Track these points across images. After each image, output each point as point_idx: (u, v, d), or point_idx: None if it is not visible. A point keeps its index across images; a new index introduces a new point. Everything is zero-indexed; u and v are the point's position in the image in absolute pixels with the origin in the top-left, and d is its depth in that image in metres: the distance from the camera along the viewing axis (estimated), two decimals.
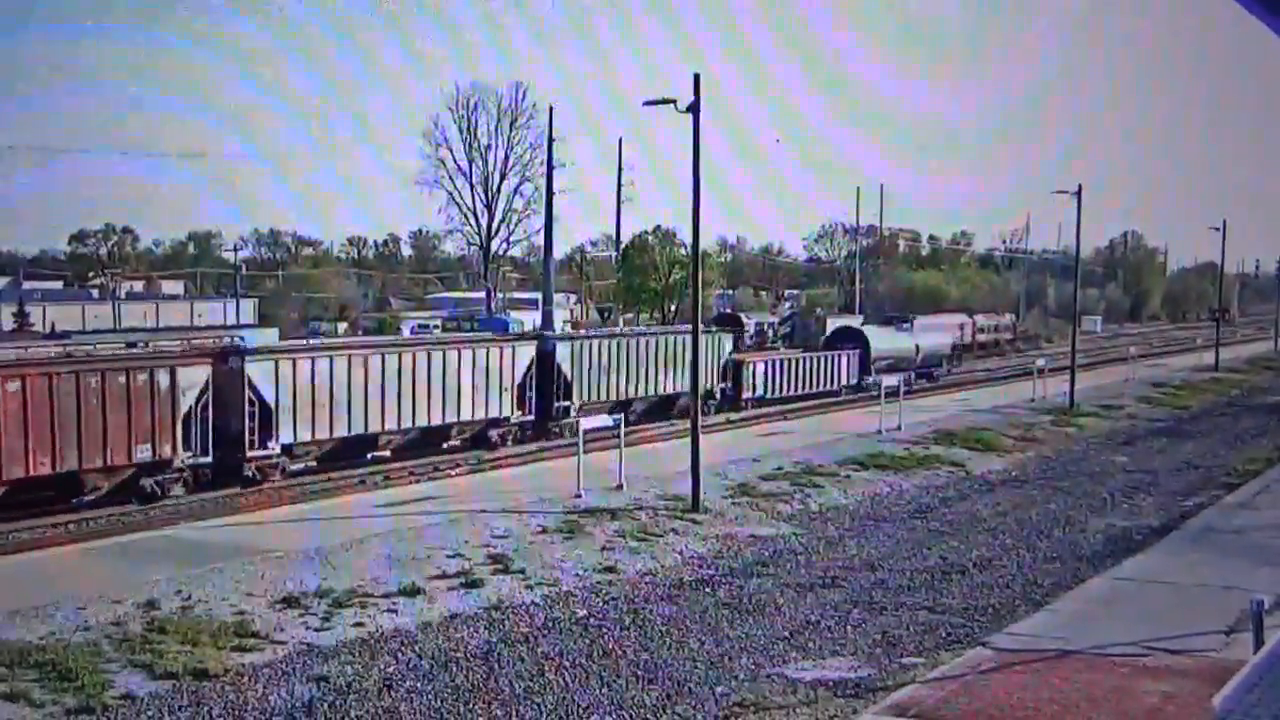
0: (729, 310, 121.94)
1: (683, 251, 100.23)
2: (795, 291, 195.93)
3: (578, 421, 44.71)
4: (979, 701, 21.64)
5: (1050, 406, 69.74)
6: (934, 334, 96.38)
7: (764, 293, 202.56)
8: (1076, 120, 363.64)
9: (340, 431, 47.18)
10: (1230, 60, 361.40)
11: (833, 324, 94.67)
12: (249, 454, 44.01)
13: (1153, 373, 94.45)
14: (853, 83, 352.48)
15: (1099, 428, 65.03)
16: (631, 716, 21.72)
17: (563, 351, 58.83)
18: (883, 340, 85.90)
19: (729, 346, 71.31)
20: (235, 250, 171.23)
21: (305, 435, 45.82)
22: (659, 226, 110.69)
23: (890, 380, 62.53)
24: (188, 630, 25.34)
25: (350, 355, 48.26)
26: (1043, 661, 24.11)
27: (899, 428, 57.48)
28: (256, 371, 44.24)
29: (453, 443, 52.71)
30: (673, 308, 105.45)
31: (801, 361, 76.80)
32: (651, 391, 64.03)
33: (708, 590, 30.92)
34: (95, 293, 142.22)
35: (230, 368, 43.78)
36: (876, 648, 26.13)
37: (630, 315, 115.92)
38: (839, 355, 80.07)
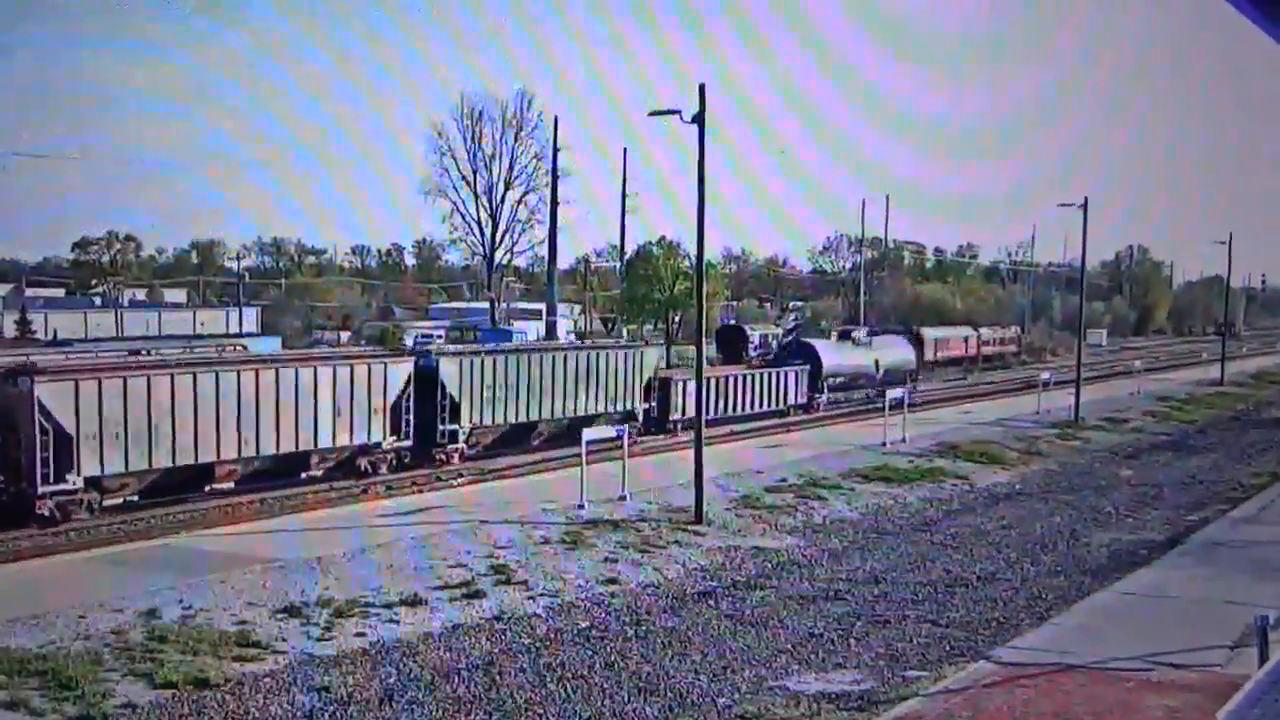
0: (733, 322, 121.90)
1: (687, 263, 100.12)
2: (800, 303, 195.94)
3: (581, 432, 44.40)
4: (982, 715, 21.57)
5: (1055, 420, 69.62)
6: (896, 349, 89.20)
7: (768, 304, 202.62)
8: (1082, 133, 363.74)
9: (163, 462, 40.93)
10: (1236, 73, 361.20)
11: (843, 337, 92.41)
12: (42, 489, 37.90)
13: (1158, 387, 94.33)
14: (859, 95, 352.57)
15: (1104, 441, 64.95)
16: None
17: (448, 369, 51.86)
18: (836, 356, 79.52)
19: (654, 362, 64.84)
20: (238, 259, 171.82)
21: (116, 467, 39.87)
22: (663, 237, 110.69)
23: (896, 392, 62.45)
24: (188, 639, 25.34)
25: (174, 374, 41.67)
26: (1046, 675, 24.03)
27: (903, 440, 57.44)
28: (49, 393, 38.26)
29: (313, 473, 46.42)
30: (677, 318, 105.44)
31: (742, 379, 70.18)
32: (560, 413, 56.77)
33: (710, 602, 30.87)
34: (98, 300, 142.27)
35: (16, 390, 38.23)
36: (880, 661, 26.07)
37: (634, 326, 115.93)
38: (785, 373, 73.41)
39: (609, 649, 26.58)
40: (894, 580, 33.41)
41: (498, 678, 24.41)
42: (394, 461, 49.28)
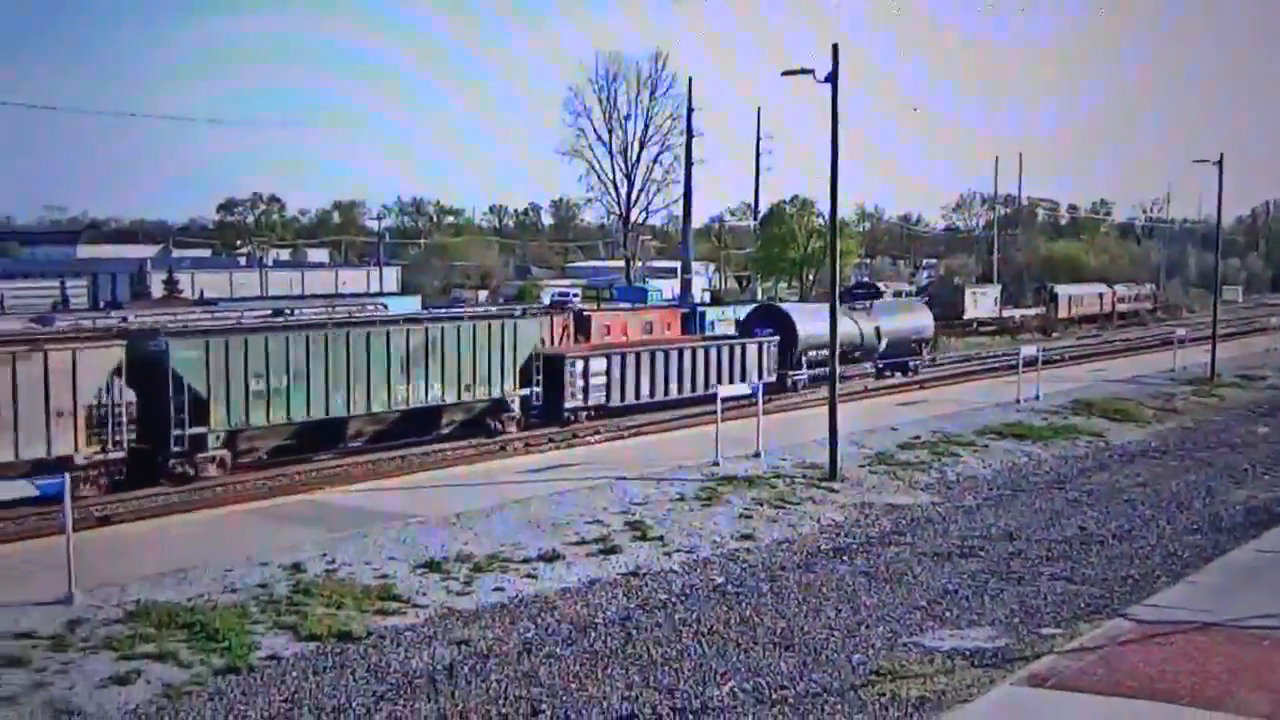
0: (867, 279, 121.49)
1: (820, 221, 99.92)
2: (933, 261, 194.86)
3: (716, 391, 44.33)
4: (1117, 673, 21.57)
5: (1190, 377, 68.86)
6: (904, 314, 74.32)
7: (901, 262, 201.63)
8: (1218, 87, 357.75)
9: None
10: None
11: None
12: None
13: None
14: (992, 49, 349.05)
15: (1240, 398, 64.18)
16: (768, 683, 21.84)
17: (184, 356, 39.07)
18: (817, 323, 60.70)
19: (533, 337, 51.03)
20: (379, 219, 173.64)
21: None
22: (796, 195, 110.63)
23: (1029, 350, 61.85)
24: (332, 593, 25.87)
25: None
26: (1182, 634, 23.95)
27: (1037, 397, 57.09)
28: None
29: None
30: (811, 276, 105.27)
31: (678, 354, 56.60)
32: (384, 406, 44.44)
33: (844, 559, 30.98)
34: (242, 260, 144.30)
35: None
36: (1014, 618, 26.08)
37: (769, 284, 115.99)
38: (744, 345, 60.09)
39: (744, 604, 26.78)
40: (1028, 537, 33.33)
41: (634, 632, 24.71)
42: (103, 480, 37.31)
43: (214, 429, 39.67)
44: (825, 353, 59.01)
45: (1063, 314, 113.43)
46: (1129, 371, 71.83)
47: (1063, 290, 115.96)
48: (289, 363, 41.45)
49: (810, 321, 63.50)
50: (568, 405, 51.44)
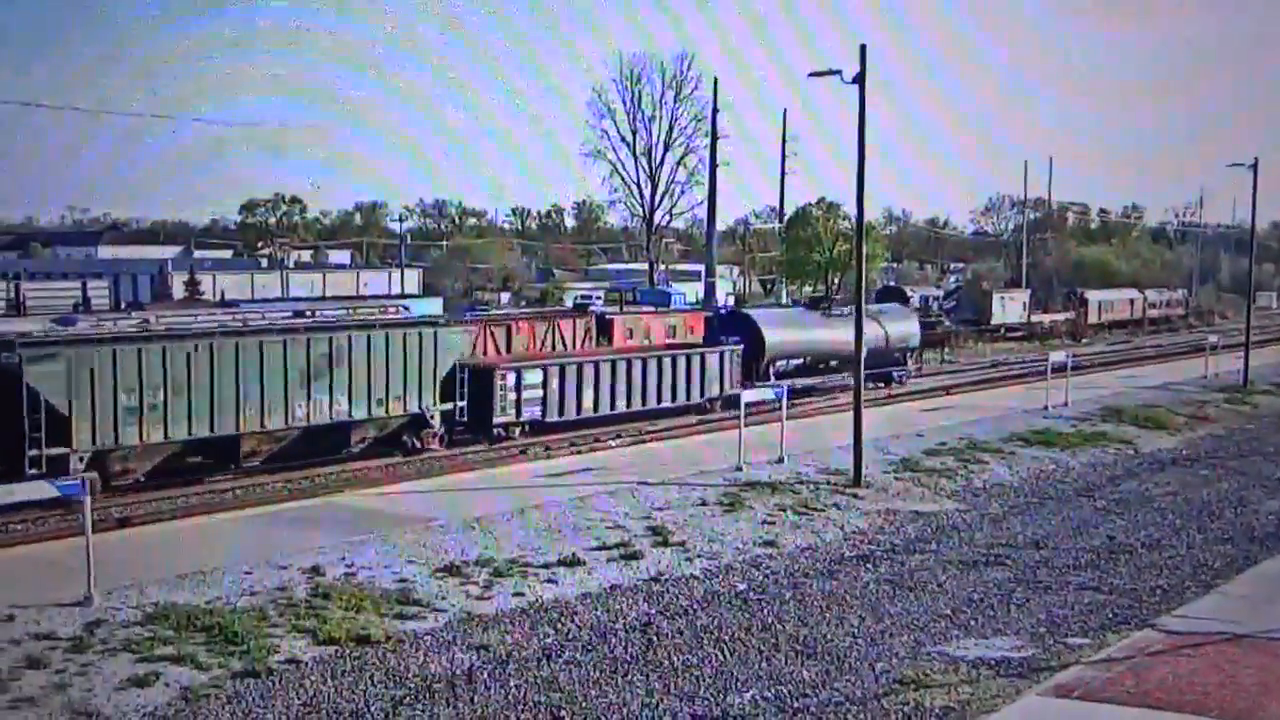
0: (893, 283, 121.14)
1: (847, 224, 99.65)
2: (961, 265, 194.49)
3: (739, 396, 44.03)
4: (1146, 684, 21.31)
5: (1223, 384, 68.38)
6: (887, 322, 66.58)
7: (929, 266, 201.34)
8: (1253, 89, 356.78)
9: None
10: None
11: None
12: None
13: None
14: (1023, 49, 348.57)
15: (1274, 406, 63.68)
16: (790, 691, 21.64)
17: (41, 370, 35.01)
18: (787, 331, 60.79)
19: (456, 346, 46.28)
20: (400, 220, 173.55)
21: None
22: (823, 198, 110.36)
23: (1058, 356, 61.40)
24: (351, 597, 25.67)
25: None
26: (1213, 645, 23.69)
27: (1065, 404, 56.71)
28: None
29: None
30: (836, 280, 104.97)
31: (625, 366, 52.09)
32: (282, 423, 40.50)
33: (869, 566, 30.73)
34: (264, 262, 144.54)
35: None
36: (1040, 627, 25.82)
37: (794, 287, 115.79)
38: (704, 355, 55.74)
39: (766, 612, 26.57)
40: (1055, 546, 33.05)
41: (655, 639, 24.51)
42: None
43: (77, 450, 35.73)
44: (796, 363, 59.76)
45: (1093, 319, 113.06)
46: (1160, 378, 71.40)
47: (1093, 295, 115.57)
48: (167, 376, 37.48)
49: (779, 330, 60.89)
50: (497, 420, 47.34)
